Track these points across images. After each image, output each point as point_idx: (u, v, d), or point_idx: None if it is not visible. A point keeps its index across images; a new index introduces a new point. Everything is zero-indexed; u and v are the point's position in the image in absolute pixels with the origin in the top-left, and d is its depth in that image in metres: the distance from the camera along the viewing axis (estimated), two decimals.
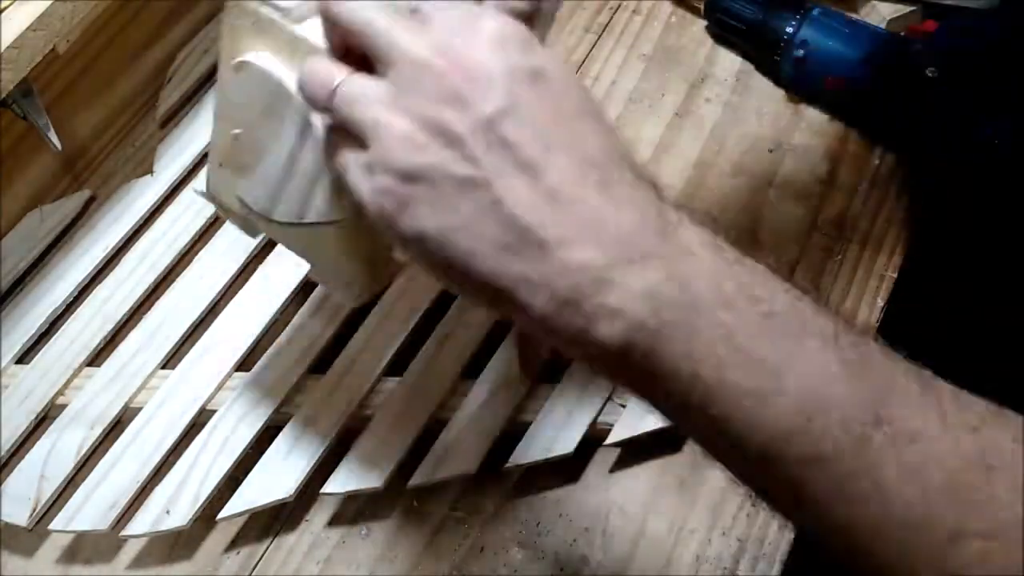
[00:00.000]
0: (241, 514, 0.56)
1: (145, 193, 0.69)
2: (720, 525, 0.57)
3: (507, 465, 0.57)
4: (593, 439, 0.59)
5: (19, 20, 0.56)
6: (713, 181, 0.71)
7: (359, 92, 0.32)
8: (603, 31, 0.79)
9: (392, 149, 0.31)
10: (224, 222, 0.68)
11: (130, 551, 0.58)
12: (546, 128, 0.31)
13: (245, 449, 0.57)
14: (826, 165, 0.72)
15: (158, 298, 0.64)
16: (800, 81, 0.74)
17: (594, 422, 0.59)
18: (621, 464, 0.61)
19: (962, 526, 0.29)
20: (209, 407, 0.60)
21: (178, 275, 0.65)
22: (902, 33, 0.75)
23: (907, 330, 0.76)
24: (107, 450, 0.58)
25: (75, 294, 0.65)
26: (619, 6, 0.81)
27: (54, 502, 0.57)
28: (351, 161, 0.33)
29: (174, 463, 0.57)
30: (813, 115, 0.74)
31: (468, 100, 0.30)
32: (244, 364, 0.61)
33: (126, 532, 0.55)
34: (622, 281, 0.29)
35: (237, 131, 0.42)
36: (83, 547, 0.58)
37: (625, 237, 0.30)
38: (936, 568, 0.29)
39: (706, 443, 0.33)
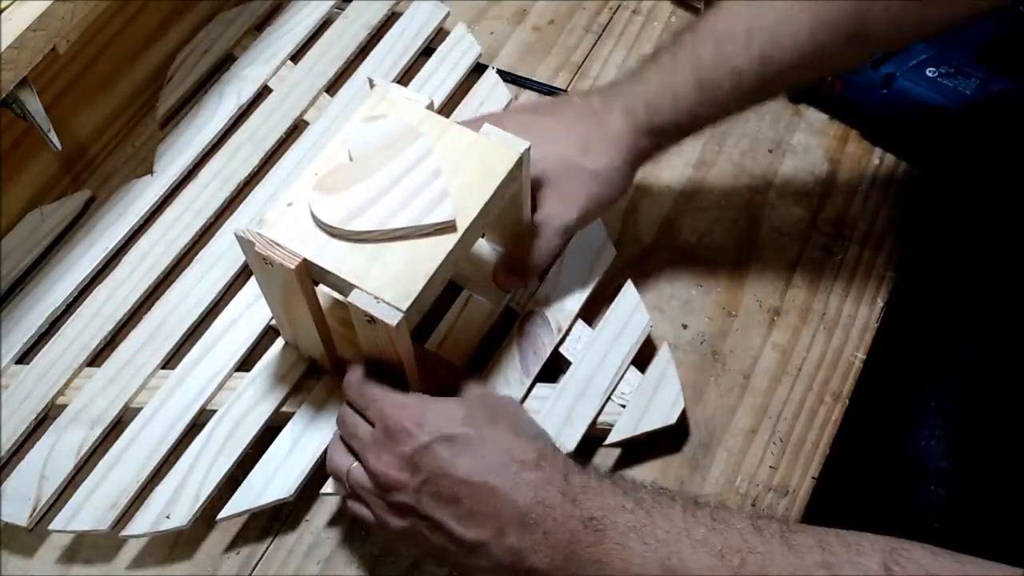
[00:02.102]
0: (241, 514, 0.56)
1: (145, 193, 0.69)
2: None
3: None
4: (593, 439, 0.59)
5: (19, 20, 0.56)
6: (713, 181, 0.71)
7: (357, 483, 0.50)
8: (603, 31, 0.79)
9: (385, 523, 0.49)
10: (224, 221, 0.68)
11: (130, 551, 0.58)
12: (456, 471, 0.46)
13: (245, 449, 0.57)
14: (826, 165, 0.72)
15: (158, 298, 0.64)
16: None
17: (594, 422, 0.59)
18: (621, 464, 0.61)
19: None
20: (209, 407, 0.60)
21: (178, 275, 0.65)
22: None
23: (907, 330, 0.76)
24: (107, 450, 0.58)
25: (75, 294, 0.65)
26: (619, 6, 0.81)
27: (54, 502, 0.57)
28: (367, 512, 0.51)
29: (174, 463, 0.57)
30: (813, 115, 0.74)
31: (405, 483, 0.47)
32: (244, 364, 0.61)
33: (126, 532, 0.55)
34: (529, 548, 0.45)
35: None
36: (83, 547, 0.58)
37: (523, 518, 0.45)
38: None
39: None
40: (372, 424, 0.50)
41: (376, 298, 0.47)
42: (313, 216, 0.49)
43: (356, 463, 0.51)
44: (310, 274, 0.50)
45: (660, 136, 0.59)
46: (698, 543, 0.43)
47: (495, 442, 0.48)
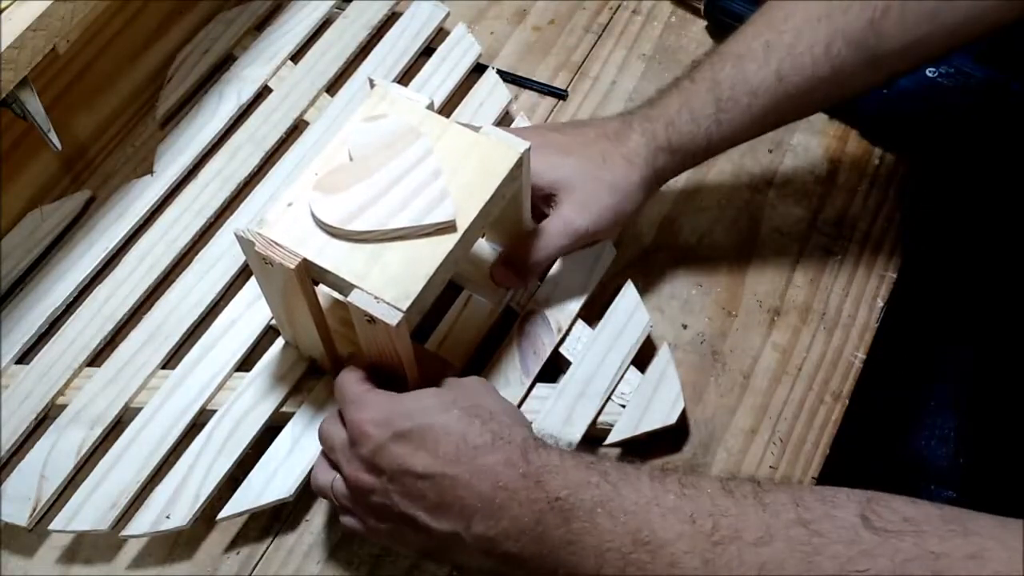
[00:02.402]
0: (241, 514, 0.56)
1: (145, 193, 0.69)
2: None
3: None
4: (593, 439, 0.59)
5: (19, 20, 0.56)
6: (713, 181, 0.71)
7: (340, 494, 0.51)
8: (603, 31, 0.79)
9: (372, 528, 0.50)
10: (224, 221, 0.68)
11: (130, 551, 0.58)
12: (415, 467, 0.46)
13: (245, 449, 0.57)
14: (826, 165, 0.72)
15: (158, 298, 0.64)
16: None
17: (594, 422, 0.59)
18: None
19: None
20: (209, 407, 0.60)
21: (178, 275, 0.65)
22: None
23: (907, 330, 0.76)
24: (107, 450, 0.58)
25: (75, 294, 0.65)
26: (619, 6, 0.81)
27: (54, 502, 0.57)
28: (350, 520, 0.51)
29: (174, 463, 0.57)
30: (813, 115, 0.74)
31: (373, 486, 0.48)
32: (244, 364, 0.61)
33: (126, 532, 0.55)
34: (499, 535, 0.45)
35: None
36: (83, 547, 0.58)
37: (488, 505, 0.45)
38: None
39: None
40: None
41: (376, 298, 0.47)
42: (313, 216, 0.49)
43: (337, 476, 0.51)
44: (310, 274, 0.50)
45: (678, 155, 0.59)
46: (668, 511, 0.42)
47: (448, 431, 0.47)
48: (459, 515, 0.46)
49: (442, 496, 0.46)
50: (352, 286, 0.48)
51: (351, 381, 0.51)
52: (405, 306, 0.47)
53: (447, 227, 0.49)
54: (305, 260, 0.48)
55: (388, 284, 0.47)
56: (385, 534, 0.49)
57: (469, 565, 0.48)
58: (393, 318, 0.46)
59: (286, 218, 0.50)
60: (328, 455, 0.52)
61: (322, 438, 0.52)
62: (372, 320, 0.47)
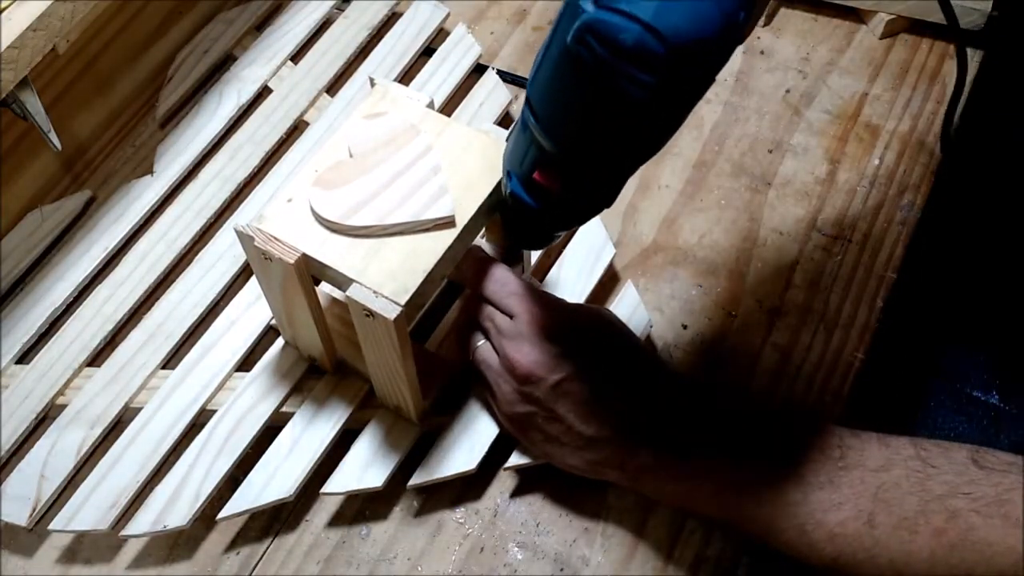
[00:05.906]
0: (241, 514, 0.56)
1: (145, 193, 0.69)
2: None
3: (507, 465, 0.57)
4: None
5: (19, 20, 0.56)
6: (713, 181, 0.71)
7: (484, 361, 0.54)
8: None
9: (507, 402, 0.53)
10: (224, 221, 0.68)
11: (130, 551, 0.58)
12: (596, 376, 0.51)
13: (245, 449, 0.57)
14: (826, 165, 0.72)
15: (158, 298, 0.64)
16: None
17: None
18: None
19: None
20: (209, 407, 0.60)
21: (178, 275, 0.65)
22: None
23: (907, 330, 0.76)
24: (107, 450, 0.58)
25: (75, 294, 0.65)
26: None
27: (54, 502, 0.57)
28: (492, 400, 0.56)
29: (174, 463, 0.57)
30: (813, 115, 0.74)
31: (543, 378, 0.51)
32: (244, 364, 0.61)
33: (126, 532, 0.55)
34: (636, 449, 0.51)
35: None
36: (83, 547, 0.58)
37: (634, 425, 0.51)
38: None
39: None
40: (508, 314, 0.52)
41: (375, 292, 0.47)
42: (313, 212, 0.49)
43: (484, 342, 0.54)
44: (309, 269, 0.50)
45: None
46: (799, 442, 0.48)
47: (623, 356, 0.52)
48: (612, 427, 0.50)
49: (607, 408, 0.50)
50: (351, 281, 0.48)
51: (511, 275, 0.53)
52: (404, 300, 0.47)
53: (446, 223, 0.49)
54: (304, 255, 0.48)
55: (387, 279, 0.47)
56: (510, 413, 0.53)
57: (576, 467, 0.53)
58: (391, 312, 0.46)
59: (286, 214, 0.50)
60: (482, 322, 0.54)
61: (476, 306, 0.54)
62: (371, 315, 0.47)
